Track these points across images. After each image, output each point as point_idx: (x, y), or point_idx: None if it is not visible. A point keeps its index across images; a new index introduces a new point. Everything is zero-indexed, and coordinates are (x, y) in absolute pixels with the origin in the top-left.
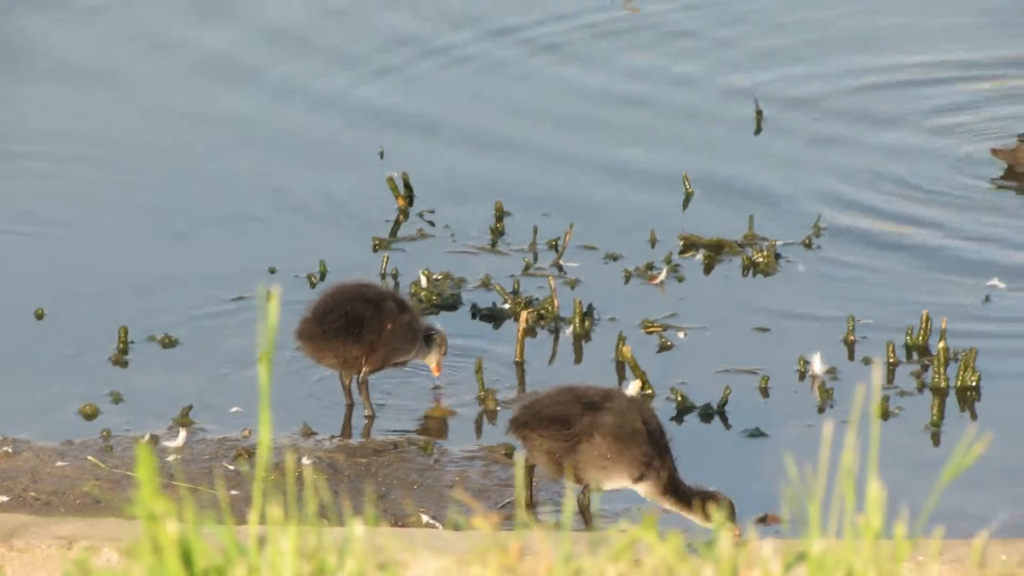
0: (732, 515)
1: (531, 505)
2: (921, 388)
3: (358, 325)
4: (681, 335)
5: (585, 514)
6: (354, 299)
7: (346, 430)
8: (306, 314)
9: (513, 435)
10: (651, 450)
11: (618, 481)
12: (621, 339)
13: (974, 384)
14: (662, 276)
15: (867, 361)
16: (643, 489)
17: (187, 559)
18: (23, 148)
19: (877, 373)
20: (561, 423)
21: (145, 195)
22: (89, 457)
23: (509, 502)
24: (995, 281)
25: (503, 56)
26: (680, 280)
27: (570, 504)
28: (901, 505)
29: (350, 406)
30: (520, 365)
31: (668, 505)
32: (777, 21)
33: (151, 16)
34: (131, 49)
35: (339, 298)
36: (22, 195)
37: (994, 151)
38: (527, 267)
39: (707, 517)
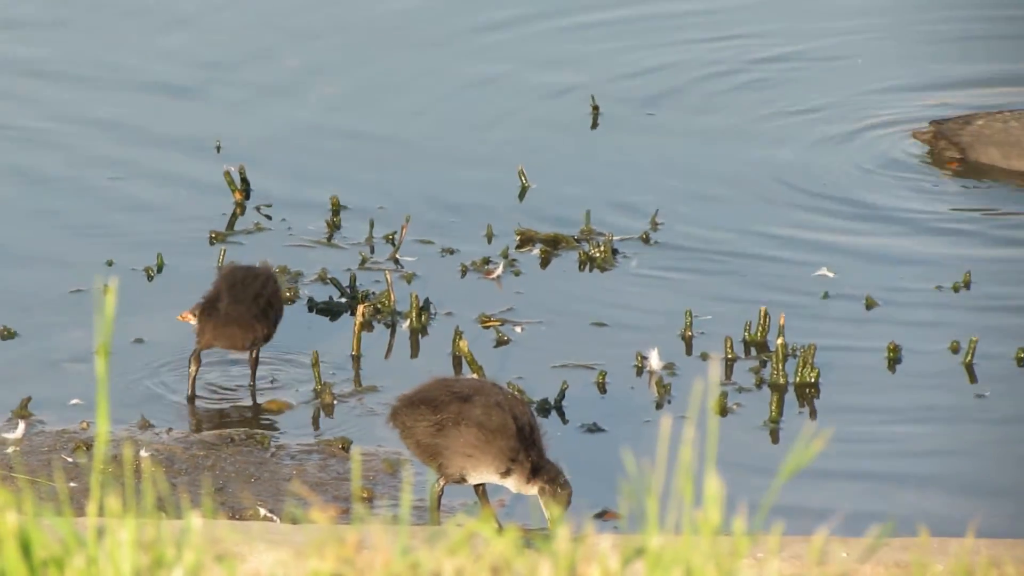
0: (566, 505)
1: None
2: (760, 384)
3: (269, 305)
4: (518, 330)
5: (433, 508)
6: (258, 278)
7: (185, 421)
8: (222, 299)
9: (391, 424)
10: (518, 444)
11: (485, 475)
12: (458, 333)
13: (813, 380)
14: (499, 271)
15: (705, 357)
16: (511, 484)
17: (26, 550)
18: None
19: (715, 368)
20: (429, 407)
21: None
22: None
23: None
24: (824, 271)
25: (338, 46)
26: (517, 275)
27: (407, 498)
28: (740, 502)
29: (191, 398)
30: (357, 359)
31: (534, 492)
32: (614, 12)
33: None
34: None
35: (249, 279)
36: None
37: (915, 134)
38: (363, 261)
39: (553, 495)
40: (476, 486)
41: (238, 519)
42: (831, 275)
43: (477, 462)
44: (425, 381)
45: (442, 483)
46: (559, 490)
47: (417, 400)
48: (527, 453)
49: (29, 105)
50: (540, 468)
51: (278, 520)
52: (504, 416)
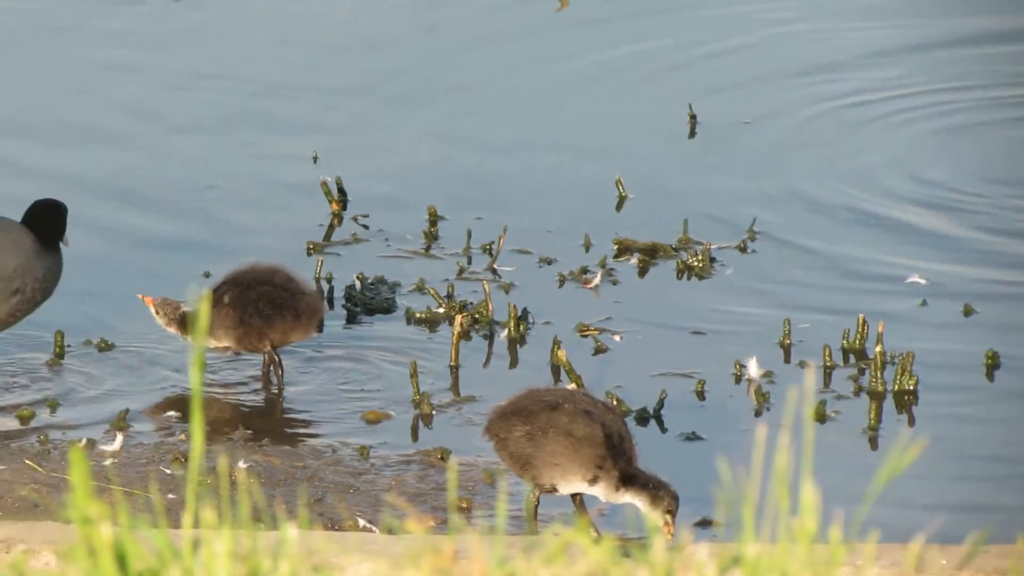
0: (673, 510)
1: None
2: (858, 392)
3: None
4: (616, 338)
5: (529, 517)
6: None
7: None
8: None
9: (486, 436)
10: (605, 452)
11: (574, 484)
12: (556, 343)
13: (911, 388)
14: (597, 280)
15: (803, 365)
16: (599, 492)
17: (122, 562)
18: None
19: (810, 376)
20: (520, 417)
21: (84, 200)
22: (26, 461)
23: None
24: (916, 278)
25: (434, 56)
26: (615, 283)
27: (504, 508)
28: (839, 509)
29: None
30: (455, 369)
31: (627, 500)
32: (714, 26)
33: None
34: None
35: (278, 280)
36: None
37: None
38: (461, 271)
39: (654, 503)
40: (572, 495)
41: (336, 530)
42: (922, 282)
43: (565, 471)
44: (518, 392)
45: (537, 493)
46: (660, 496)
47: (509, 411)
48: (615, 461)
49: (124, 111)
50: (632, 476)
51: (376, 531)
52: (592, 424)
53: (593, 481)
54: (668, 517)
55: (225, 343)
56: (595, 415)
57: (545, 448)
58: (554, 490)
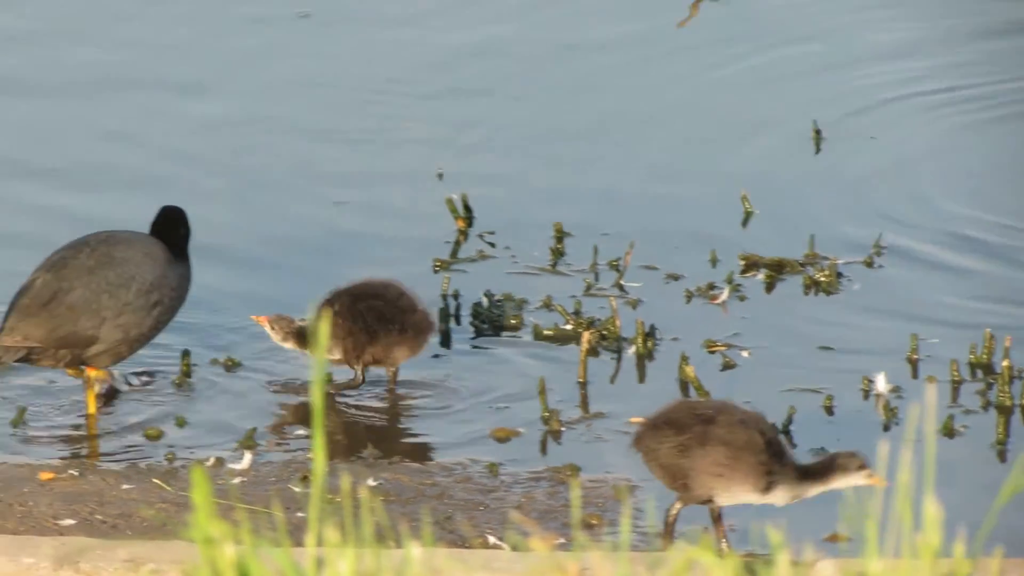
0: (865, 464)
1: (722, 541)
2: (986, 406)
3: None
4: (744, 354)
5: (668, 528)
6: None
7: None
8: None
9: (634, 448)
10: (770, 458)
11: (739, 494)
12: (684, 359)
13: None
14: (724, 295)
15: (931, 380)
16: (778, 498)
17: None
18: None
19: (932, 392)
20: (672, 428)
21: (208, 214)
22: (154, 480)
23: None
24: None
25: (565, 72)
26: (742, 299)
27: (627, 524)
28: (965, 525)
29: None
30: (583, 385)
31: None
32: (839, 41)
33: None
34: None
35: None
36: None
37: None
38: (588, 287)
39: (847, 471)
40: (711, 508)
41: (466, 548)
42: None
43: (729, 481)
44: (668, 404)
45: (679, 506)
46: (846, 465)
47: (660, 422)
48: (782, 463)
49: (250, 120)
50: (809, 468)
51: (507, 549)
52: (750, 432)
53: (768, 488)
54: (867, 472)
55: (337, 355)
56: (749, 423)
57: (705, 459)
58: (709, 502)
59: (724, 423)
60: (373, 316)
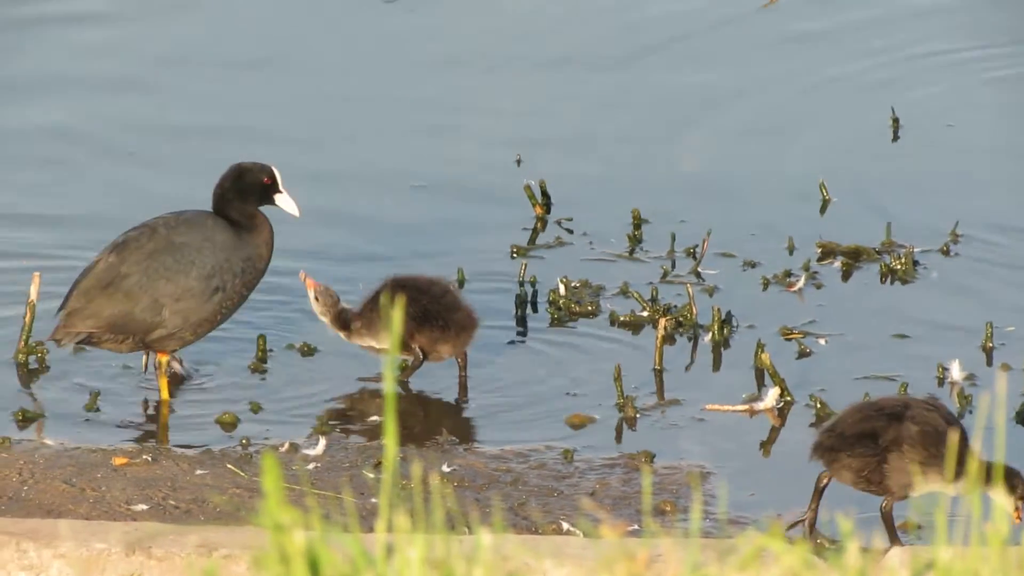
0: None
1: (813, 524)
2: None
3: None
4: (821, 342)
5: (888, 525)
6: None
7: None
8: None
9: (817, 459)
10: (960, 447)
11: (932, 485)
12: (760, 346)
13: None
14: (800, 283)
15: (1004, 367)
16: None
17: (314, 568)
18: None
19: (1003, 381)
20: (868, 439)
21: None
22: (228, 466)
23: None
24: None
25: (641, 61)
26: (818, 287)
27: (698, 512)
28: None
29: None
30: (659, 372)
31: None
32: (915, 30)
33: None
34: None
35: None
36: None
37: None
38: (665, 274)
39: (1012, 490)
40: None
41: (539, 534)
42: None
43: (926, 473)
44: (843, 410)
45: (890, 501)
46: (1015, 484)
47: (845, 429)
48: (972, 456)
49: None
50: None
51: (580, 535)
52: (940, 422)
53: (956, 478)
54: (1020, 503)
55: (385, 344)
56: (938, 412)
57: (901, 458)
58: (906, 496)
59: (913, 418)
60: (417, 309)
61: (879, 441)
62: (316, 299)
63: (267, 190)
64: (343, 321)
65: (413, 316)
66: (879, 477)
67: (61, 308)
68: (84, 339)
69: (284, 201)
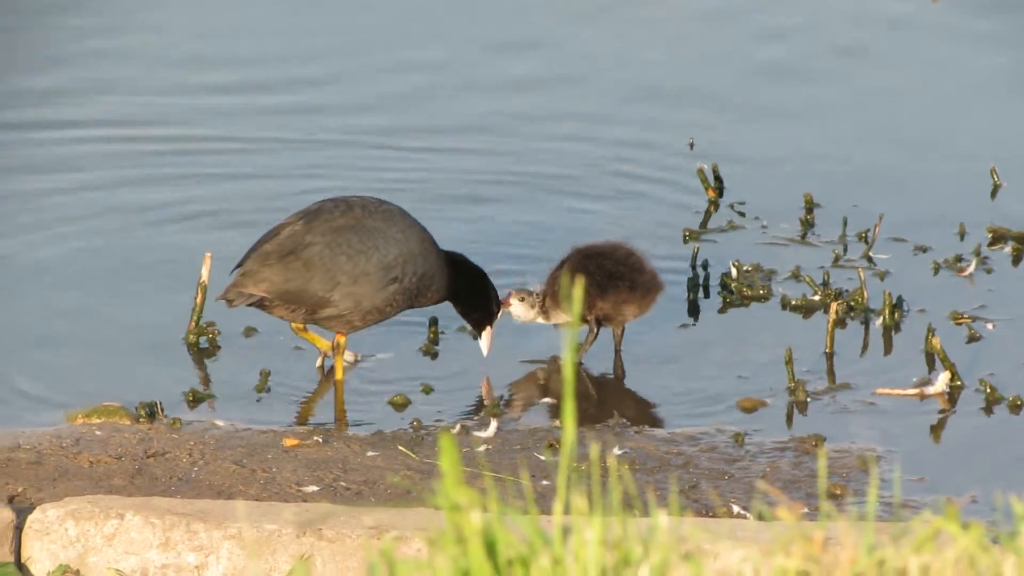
0: None
1: None
2: None
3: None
4: (990, 327)
5: None
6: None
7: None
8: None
9: None
10: None
11: None
12: (930, 331)
13: None
14: (971, 268)
15: None
16: None
17: (491, 549)
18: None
19: None
20: None
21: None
22: (400, 447)
23: None
24: None
25: (809, 54)
26: (989, 272)
27: (874, 495)
28: None
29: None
30: (830, 356)
31: None
32: None
33: None
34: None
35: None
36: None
37: None
38: (837, 259)
39: None
40: None
41: (710, 517)
42: None
43: None
44: None
45: None
46: None
47: None
48: None
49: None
50: None
51: (750, 517)
52: None
53: None
54: None
55: (567, 315)
56: None
57: None
58: None
59: None
60: (602, 274)
61: None
62: (522, 300)
63: (485, 315)
64: (542, 307)
65: (597, 282)
66: None
67: (237, 267)
68: (255, 302)
69: (485, 336)
